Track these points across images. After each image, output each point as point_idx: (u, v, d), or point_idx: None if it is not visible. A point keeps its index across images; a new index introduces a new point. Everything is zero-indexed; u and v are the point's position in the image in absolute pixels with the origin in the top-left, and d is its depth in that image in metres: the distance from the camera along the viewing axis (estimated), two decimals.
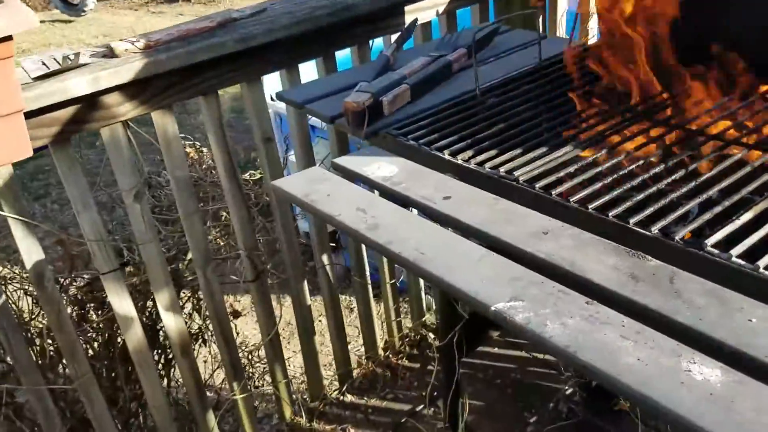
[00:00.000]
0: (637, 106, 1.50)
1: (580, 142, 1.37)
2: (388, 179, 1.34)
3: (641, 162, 1.27)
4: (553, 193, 1.21)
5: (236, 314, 2.42)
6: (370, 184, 1.36)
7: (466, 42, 2.03)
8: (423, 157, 1.44)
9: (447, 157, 1.40)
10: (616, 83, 1.59)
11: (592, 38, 2.47)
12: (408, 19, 2.32)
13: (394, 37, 2.32)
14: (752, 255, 0.98)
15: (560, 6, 2.49)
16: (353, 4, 2.04)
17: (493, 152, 1.39)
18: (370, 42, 2.32)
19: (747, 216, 1.06)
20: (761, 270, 0.95)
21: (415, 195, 1.27)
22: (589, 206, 1.15)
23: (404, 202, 1.28)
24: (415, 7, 2.33)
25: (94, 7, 10.05)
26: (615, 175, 1.24)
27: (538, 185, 1.24)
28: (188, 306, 2.34)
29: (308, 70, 2.34)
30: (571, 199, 1.18)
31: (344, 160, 1.43)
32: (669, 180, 1.21)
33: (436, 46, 2.05)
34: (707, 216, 1.08)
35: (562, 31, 2.55)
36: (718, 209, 1.09)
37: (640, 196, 1.16)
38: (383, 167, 1.39)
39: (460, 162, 1.37)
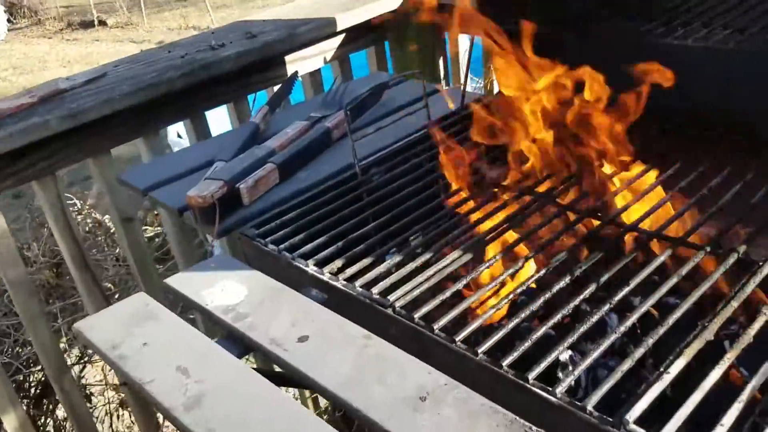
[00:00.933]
0: (536, 185, 1.26)
1: (470, 244, 1.11)
2: (231, 310, 1.04)
3: (547, 270, 1.02)
4: (435, 327, 0.94)
5: None
6: (211, 319, 1.06)
7: (352, 98, 1.76)
8: (283, 268, 1.15)
9: (311, 270, 1.11)
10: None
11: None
12: (291, 69, 2.03)
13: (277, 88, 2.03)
14: None
15: (461, 46, 2.25)
16: (214, 62, 1.74)
17: (367, 260, 1.11)
18: (250, 97, 2.02)
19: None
20: None
21: (261, 337, 0.97)
22: (479, 350, 0.88)
23: (247, 346, 0.98)
24: (299, 56, 2.04)
25: (4, 37, 9.41)
26: (510, 296, 0.98)
27: (417, 315, 0.97)
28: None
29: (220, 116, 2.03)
30: (456, 339, 0.91)
31: (179, 281, 1.12)
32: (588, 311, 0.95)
33: (319, 103, 1.77)
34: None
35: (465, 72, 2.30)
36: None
37: (534, 337, 0.90)
38: (228, 289, 1.09)
39: (326, 278, 1.09)
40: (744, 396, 0.77)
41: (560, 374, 0.94)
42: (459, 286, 1.02)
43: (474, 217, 1.18)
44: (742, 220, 1.07)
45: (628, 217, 1.14)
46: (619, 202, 1.20)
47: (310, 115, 1.68)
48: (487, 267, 1.06)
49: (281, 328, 0.99)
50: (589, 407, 0.78)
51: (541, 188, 1.24)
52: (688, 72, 1.22)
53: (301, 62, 2.06)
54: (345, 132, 1.60)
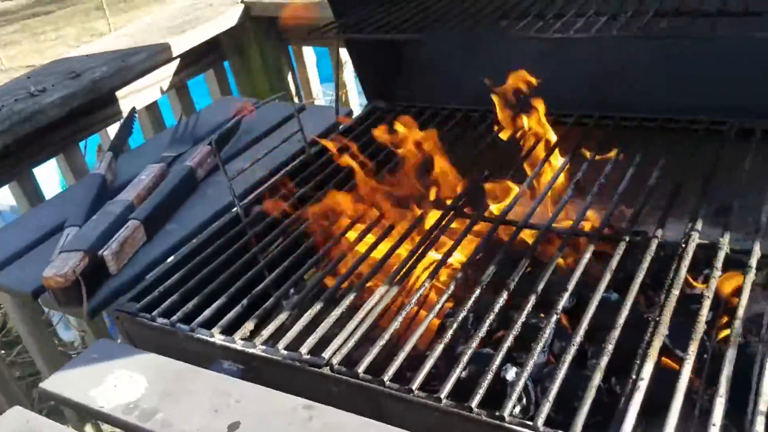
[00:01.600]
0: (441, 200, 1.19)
1: (392, 276, 1.01)
2: (134, 408, 0.85)
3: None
4: (385, 379, 0.83)
5: None
6: (108, 423, 0.87)
7: (207, 129, 1.59)
8: (181, 344, 0.98)
9: (219, 340, 0.95)
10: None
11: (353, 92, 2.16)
12: (124, 105, 1.81)
13: (113, 129, 1.80)
14: None
15: (308, 60, 2.14)
16: (36, 111, 1.48)
17: (283, 315, 0.98)
18: (81, 145, 1.77)
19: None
20: None
21: None
22: (441, 396, 0.79)
23: None
24: (132, 89, 1.82)
25: None
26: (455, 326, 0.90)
27: (360, 369, 0.85)
28: None
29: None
30: (413, 388, 0.81)
31: (57, 383, 0.91)
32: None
33: (169, 140, 1.58)
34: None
35: (317, 89, 2.20)
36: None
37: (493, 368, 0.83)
38: (122, 383, 0.90)
39: (240, 346, 0.94)
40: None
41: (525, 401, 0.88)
42: (396, 325, 0.92)
43: (388, 243, 1.09)
44: (647, 204, 1.07)
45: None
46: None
47: (162, 156, 1.49)
48: (420, 296, 0.97)
49: (202, 418, 0.83)
50: (540, 426, 0.72)
51: (448, 202, 1.18)
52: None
53: (136, 96, 1.84)
54: (211, 169, 1.44)
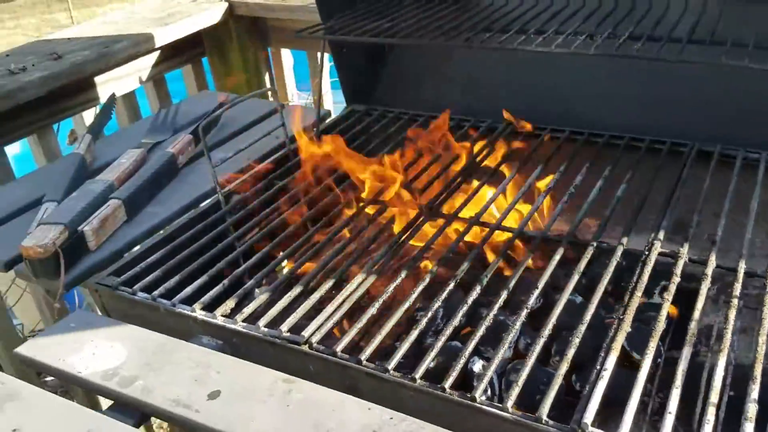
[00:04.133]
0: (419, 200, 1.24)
1: (372, 264, 1.05)
2: (114, 374, 0.87)
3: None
4: (362, 358, 0.87)
5: None
6: (86, 388, 0.88)
7: (187, 120, 1.61)
8: (162, 318, 0.99)
9: (200, 316, 0.97)
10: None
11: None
12: (103, 91, 1.81)
13: (89, 115, 1.80)
14: None
15: (285, 62, 2.18)
16: (15, 89, 1.48)
17: (264, 297, 1.00)
18: (55, 127, 1.76)
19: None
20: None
21: (162, 401, 0.82)
22: (416, 376, 0.83)
23: (144, 413, 0.83)
24: (113, 76, 1.83)
25: None
26: (429, 314, 0.94)
27: (339, 348, 0.88)
28: None
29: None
30: (389, 367, 0.85)
31: (34, 348, 0.91)
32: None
33: (148, 128, 1.59)
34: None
35: (293, 91, 2.24)
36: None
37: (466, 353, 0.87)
38: (102, 351, 0.91)
39: (221, 322, 0.96)
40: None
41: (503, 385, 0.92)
42: (373, 310, 0.95)
43: (367, 234, 1.13)
44: (612, 214, 1.14)
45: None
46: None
47: (141, 142, 1.50)
48: (396, 286, 1.01)
49: (183, 386, 0.85)
50: (509, 407, 0.77)
51: (424, 201, 1.23)
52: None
53: (116, 83, 1.84)
54: (192, 157, 1.46)
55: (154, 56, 1.93)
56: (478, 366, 1.00)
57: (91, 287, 1.06)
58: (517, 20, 1.30)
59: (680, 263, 1.00)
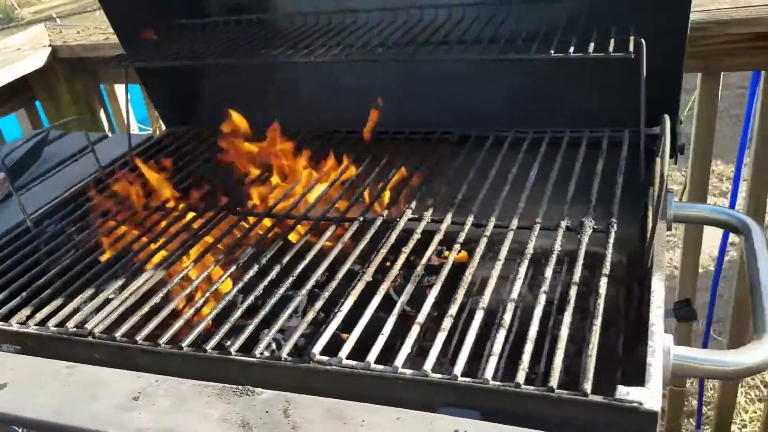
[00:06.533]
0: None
1: (161, 263, 1.18)
2: None
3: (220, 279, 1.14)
4: (138, 339, 1.00)
5: None
6: None
7: (10, 162, 1.69)
8: None
9: None
10: None
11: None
12: None
13: None
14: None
15: (120, 97, 2.27)
16: None
17: (58, 301, 1.12)
18: None
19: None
20: (371, 366, 0.88)
21: None
22: (183, 345, 0.97)
23: None
24: None
25: None
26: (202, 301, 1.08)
27: (119, 334, 1.01)
28: None
29: None
30: (160, 342, 0.98)
31: None
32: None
33: None
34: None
35: (133, 124, 2.34)
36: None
37: (233, 319, 1.02)
38: None
39: (15, 328, 1.06)
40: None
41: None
42: (156, 299, 1.08)
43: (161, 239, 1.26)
44: (381, 194, 1.32)
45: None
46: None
47: None
48: (181, 278, 1.14)
49: None
50: (284, 355, 0.92)
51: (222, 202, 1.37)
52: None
53: None
54: (8, 193, 1.54)
55: None
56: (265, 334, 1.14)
57: None
58: (310, 37, 1.45)
59: (422, 223, 1.19)
